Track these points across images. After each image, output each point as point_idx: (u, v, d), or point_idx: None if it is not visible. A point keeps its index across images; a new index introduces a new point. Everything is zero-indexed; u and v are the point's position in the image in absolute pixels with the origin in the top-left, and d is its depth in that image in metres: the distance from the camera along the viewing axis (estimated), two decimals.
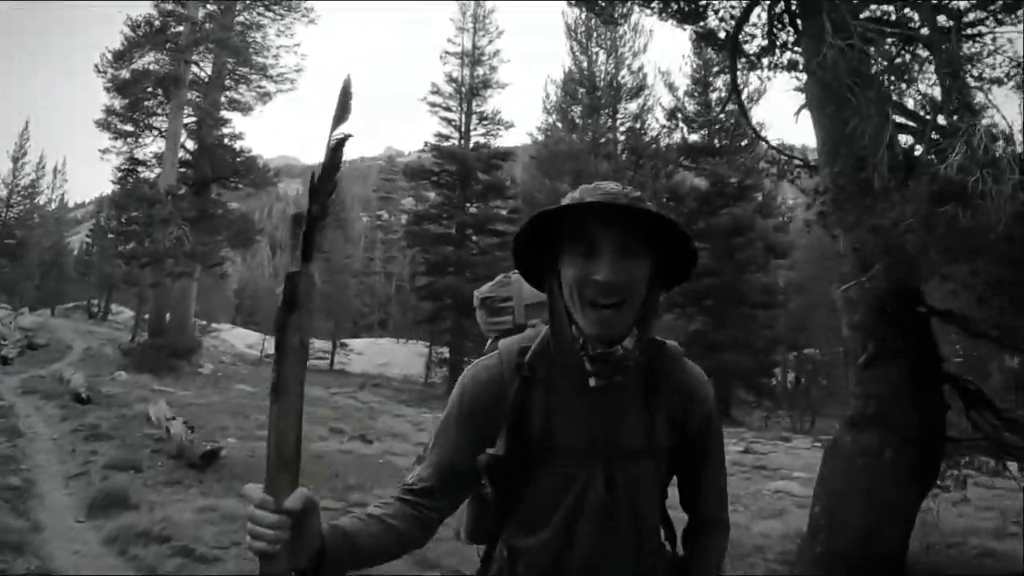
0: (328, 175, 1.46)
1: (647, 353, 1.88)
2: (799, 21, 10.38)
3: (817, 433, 35.27)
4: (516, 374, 1.89)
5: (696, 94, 42.42)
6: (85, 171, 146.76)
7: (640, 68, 42.58)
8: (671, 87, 42.20)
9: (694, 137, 42.66)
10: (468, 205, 42.53)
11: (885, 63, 8.53)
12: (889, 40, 8.91)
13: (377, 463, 14.31)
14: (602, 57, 42.35)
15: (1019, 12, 9.03)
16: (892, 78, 8.96)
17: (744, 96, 11.86)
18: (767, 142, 11.58)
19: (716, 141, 42.14)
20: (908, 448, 7.70)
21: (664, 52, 42.39)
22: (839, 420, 9.76)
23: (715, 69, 41.41)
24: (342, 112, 1.47)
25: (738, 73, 11.26)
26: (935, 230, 6.34)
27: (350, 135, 1.44)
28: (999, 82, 9.46)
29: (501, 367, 1.93)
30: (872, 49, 8.34)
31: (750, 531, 10.44)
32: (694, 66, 42.30)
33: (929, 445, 7.85)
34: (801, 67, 11.50)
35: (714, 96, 41.97)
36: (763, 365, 41.51)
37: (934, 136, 7.47)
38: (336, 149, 1.46)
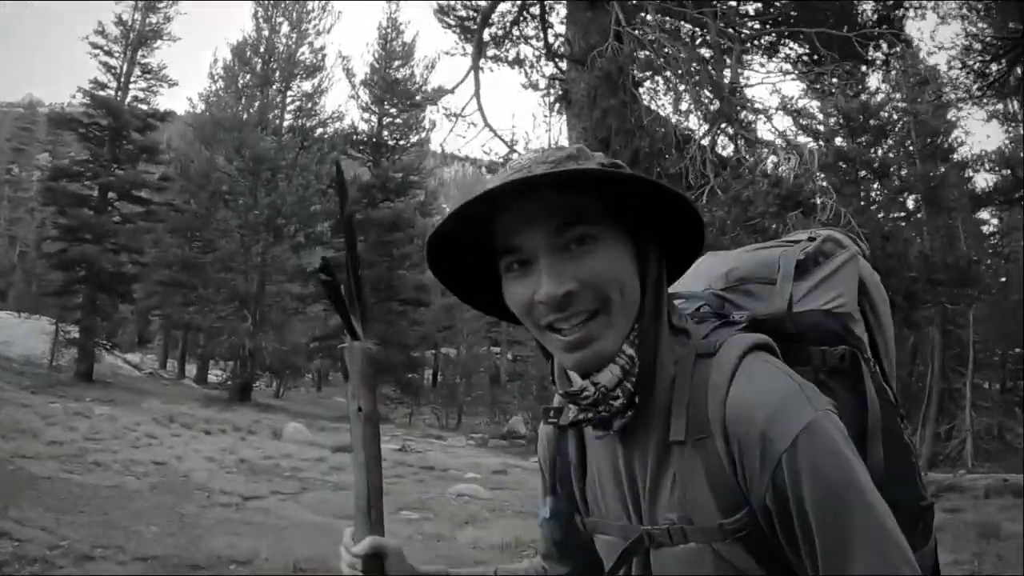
0: (353, 251, 1.47)
1: (661, 368, 1.27)
2: (558, 11, 10.30)
3: (465, 430, 35.98)
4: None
5: (373, 83, 42.24)
6: None
7: (322, 48, 41.43)
8: (348, 72, 41.87)
9: (364, 127, 42.39)
10: (116, 166, 37.77)
11: (680, 68, 8.44)
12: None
13: (7, 470, 11.71)
14: (285, 28, 40.55)
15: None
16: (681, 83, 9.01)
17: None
18: (499, 135, 11.27)
19: (387, 134, 42.16)
20: None
21: (348, 38, 42.10)
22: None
23: (396, 63, 41.79)
24: (344, 197, 1.50)
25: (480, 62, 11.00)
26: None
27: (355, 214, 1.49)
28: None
29: None
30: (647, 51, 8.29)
31: (457, 542, 9.88)
32: (376, 56, 42.57)
33: None
34: (535, 60, 11.40)
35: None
36: (411, 362, 41.90)
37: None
38: (349, 225, 1.48)
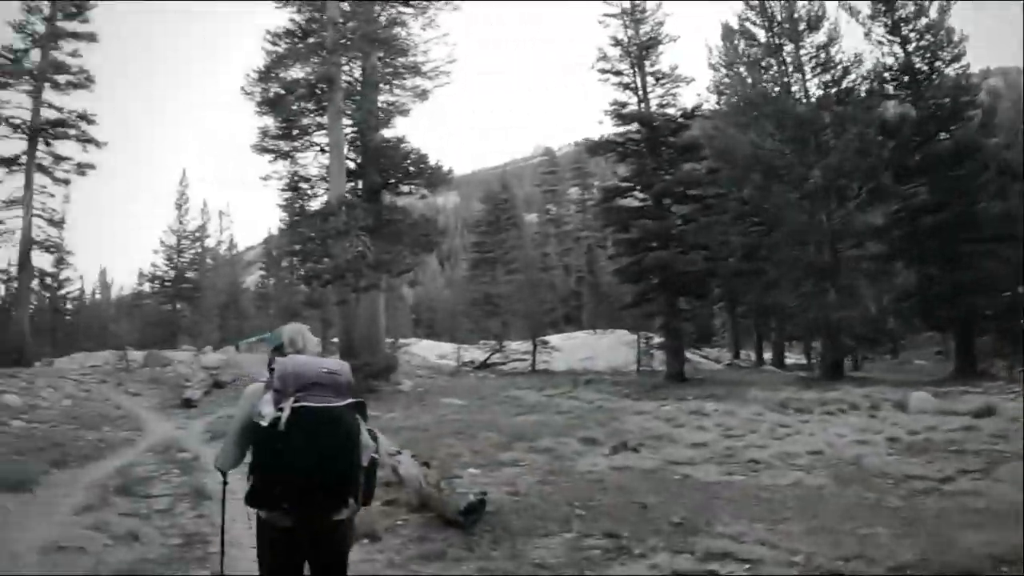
0: None
1: None
2: None
3: None
4: None
5: (882, 12, 37.70)
6: (249, 214, 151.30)
7: None
8: (851, 11, 38.02)
9: (890, 60, 37.83)
10: (662, 172, 38.72)
11: None
12: None
13: (672, 480, 11.27)
14: None
15: None
16: None
17: None
18: None
19: (916, 60, 37.17)
20: None
21: None
22: None
23: None
24: None
25: None
26: None
27: None
28: None
29: None
30: None
31: None
32: None
33: None
34: None
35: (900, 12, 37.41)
36: (1008, 305, 36.16)
37: None
38: None
